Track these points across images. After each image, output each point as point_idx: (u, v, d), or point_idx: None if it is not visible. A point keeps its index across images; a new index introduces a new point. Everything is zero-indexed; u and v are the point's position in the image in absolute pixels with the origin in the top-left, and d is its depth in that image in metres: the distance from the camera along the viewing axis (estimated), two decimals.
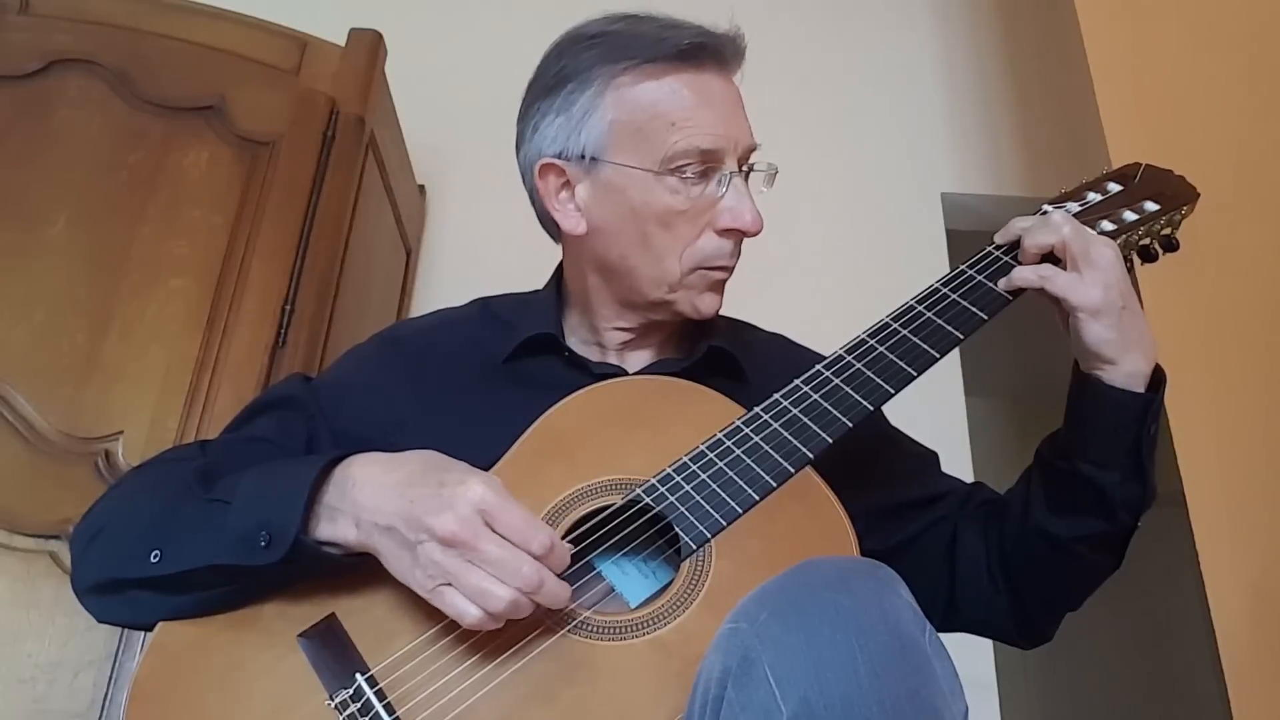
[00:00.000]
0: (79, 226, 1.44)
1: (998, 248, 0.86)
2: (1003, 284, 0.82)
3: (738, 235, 0.87)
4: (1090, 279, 0.78)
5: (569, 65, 0.86)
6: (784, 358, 0.95)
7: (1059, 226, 0.80)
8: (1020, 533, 0.86)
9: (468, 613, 0.65)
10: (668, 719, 0.64)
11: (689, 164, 0.83)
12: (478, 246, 2.17)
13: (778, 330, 1.05)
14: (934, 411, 1.96)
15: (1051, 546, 0.84)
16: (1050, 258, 0.82)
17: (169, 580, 0.72)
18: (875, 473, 0.91)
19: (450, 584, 0.65)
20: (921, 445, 1.00)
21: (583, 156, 0.85)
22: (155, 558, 0.72)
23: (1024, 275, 0.81)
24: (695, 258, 0.86)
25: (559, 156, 0.86)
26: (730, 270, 0.89)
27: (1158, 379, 0.81)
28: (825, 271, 2.16)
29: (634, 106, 0.84)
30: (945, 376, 2.06)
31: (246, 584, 0.72)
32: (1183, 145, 1.44)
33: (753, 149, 0.88)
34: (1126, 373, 0.79)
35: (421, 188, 2.19)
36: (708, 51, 0.85)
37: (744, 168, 0.87)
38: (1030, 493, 0.86)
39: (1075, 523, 0.83)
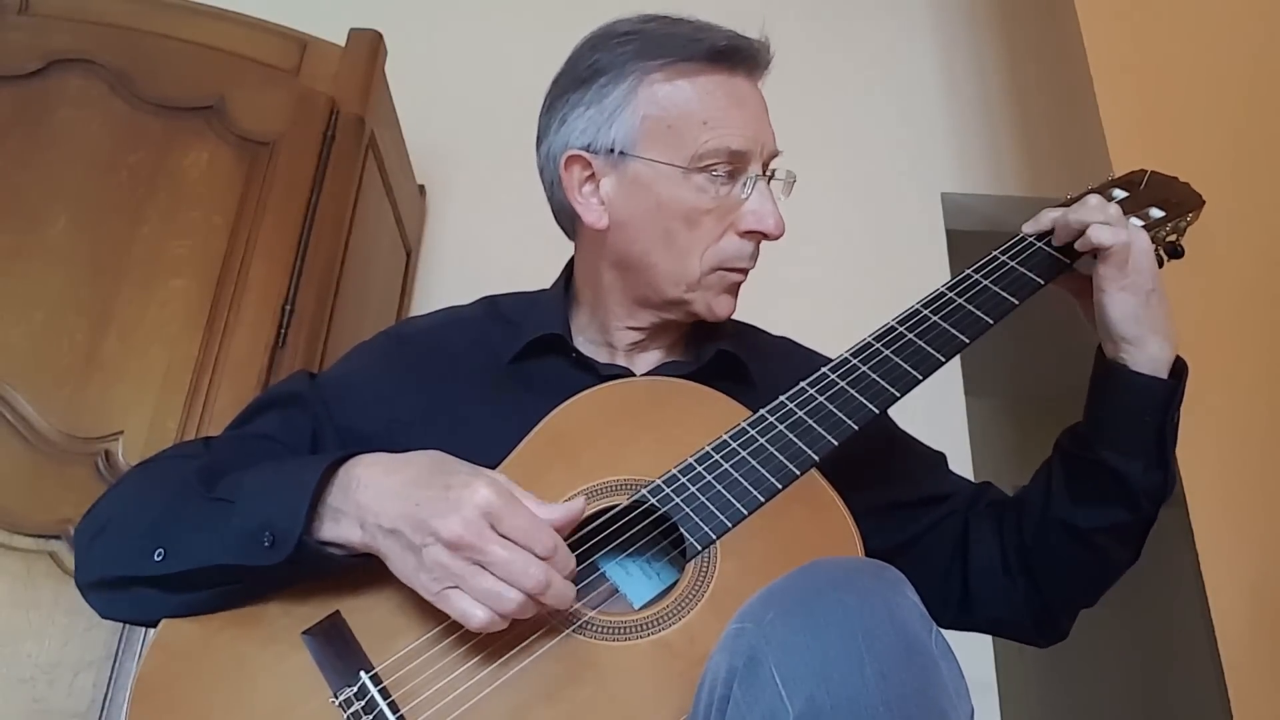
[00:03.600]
0: (79, 226, 1.44)
1: (1023, 238, 0.86)
2: (1028, 267, 0.82)
3: (759, 238, 0.87)
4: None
5: (603, 59, 0.86)
6: (790, 361, 0.95)
7: (1098, 208, 0.81)
8: (1040, 526, 0.87)
9: (474, 615, 0.64)
10: (673, 719, 0.64)
11: (718, 163, 0.84)
12: (478, 246, 2.17)
13: (777, 330, 1.04)
14: (934, 411, 1.96)
15: (1072, 538, 0.85)
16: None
17: (172, 579, 0.72)
18: (881, 472, 0.91)
19: (456, 587, 0.65)
20: (928, 447, 1.00)
21: (611, 150, 0.85)
22: (159, 556, 0.72)
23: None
24: (716, 257, 0.86)
25: (587, 149, 0.86)
26: (746, 273, 0.89)
27: (1178, 370, 0.82)
28: (825, 271, 2.16)
29: (667, 103, 0.84)
30: (945, 377, 2.05)
31: (250, 583, 0.72)
32: (1183, 146, 1.44)
33: (775, 155, 0.88)
34: (1151, 356, 0.80)
35: (421, 188, 2.18)
36: (741, 55, 0.86)
37: (767, 172, 0.87)
38: (1051, 484, 0.86)
39: (1097, 512, 0.83)
